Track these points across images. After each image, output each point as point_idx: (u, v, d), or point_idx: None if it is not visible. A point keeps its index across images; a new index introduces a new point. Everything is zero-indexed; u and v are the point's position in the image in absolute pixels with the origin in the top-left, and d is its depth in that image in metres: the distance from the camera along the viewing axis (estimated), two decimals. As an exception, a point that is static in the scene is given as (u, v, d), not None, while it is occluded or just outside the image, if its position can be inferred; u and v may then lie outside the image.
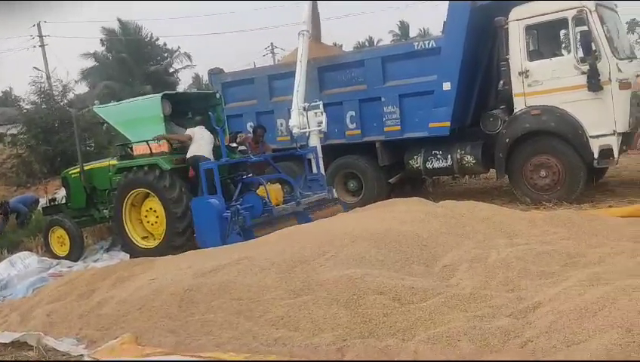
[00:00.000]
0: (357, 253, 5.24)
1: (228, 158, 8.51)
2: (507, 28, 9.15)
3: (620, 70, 8.49)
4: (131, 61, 31.46)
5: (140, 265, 6.78)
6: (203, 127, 8.78)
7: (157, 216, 8.58)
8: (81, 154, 10.19)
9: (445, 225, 6.09)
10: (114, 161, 9.44)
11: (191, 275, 5.43)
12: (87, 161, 10.32)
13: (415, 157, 10.18)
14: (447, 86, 9.47)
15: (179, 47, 35.08)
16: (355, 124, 10.49)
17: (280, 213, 8.22)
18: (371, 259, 5.15)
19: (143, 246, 8.68)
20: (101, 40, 32.96)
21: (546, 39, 9.73)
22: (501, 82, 9.43)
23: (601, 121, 8.54)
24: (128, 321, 4.97)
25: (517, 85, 9.14)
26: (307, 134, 9.85)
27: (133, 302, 5.21)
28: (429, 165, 10.05)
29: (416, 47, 10.01)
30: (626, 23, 38.38)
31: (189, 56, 34.52)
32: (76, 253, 9.34)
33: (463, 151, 9.78)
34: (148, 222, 8.76)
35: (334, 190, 9.79)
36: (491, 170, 10.10)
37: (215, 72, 12.29)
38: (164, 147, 8.66)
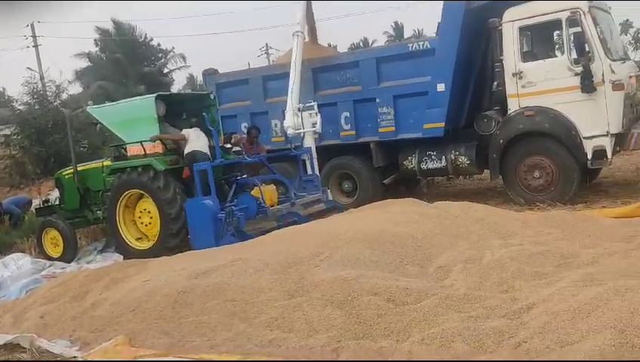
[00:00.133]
0: (351, 254, 5.24)
1: (222, 159, 8.50)
2: (501, 29, 9.18)
3: (613, 71, 8.53)
4: (125, 61, 31.39)
5: (133, 266, 6.75)
6: (198, 128, 8.77)
7: (151, 217, 8.55)
8: (75, 155, 10.15)
9: (439, 225, 6.10)
10: (108, 162, 9.42)
11: (185, 277, 5.42)
12: (81, 162, 10.28)
13: (409, 158, 10.19)
14: (441, 87, 9.49)
15: (173, 48, 35.10)
16: (349, 125, 10.50)
17: (274, 214, 8.21)
18: (366, 260, 5.15)
19: (137, 248, 8.65)
20: (95, 40, 32.91)
21: (540, 40, 9.76)
22: (495, 83, 9.45)
23: (594, 122, 8.57)
24: (122, 323, 4.95)
25: (511, 86, 9.17)
26: (302, 135, 9.86)
27: (127, 303, 5.19)
28: (423, 166, 10.06)
29: (410, 49, 10.02)
30: (620, 24, 38.59)
31: (183, 57, 34.49)
32: (70, 254, 9.30)
33: (457, 152, 9.81)
34: (142, 223, 8.73)
35: (329, 191, 9.79)
36: (485, 170, 10.12)
37: (209, 73, 12.27)
38: (158, 148, 8.64)
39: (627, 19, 46.15)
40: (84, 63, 32.70)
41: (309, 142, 9.82)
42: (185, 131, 8.75)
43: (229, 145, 9.36)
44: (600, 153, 8.60)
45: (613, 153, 8.74)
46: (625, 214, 6.88)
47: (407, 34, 48.96)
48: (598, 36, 8.60)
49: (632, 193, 9.17)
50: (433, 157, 9.97)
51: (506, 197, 9.53)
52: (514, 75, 9.09)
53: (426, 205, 7.34)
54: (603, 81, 8.46)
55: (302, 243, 5.73)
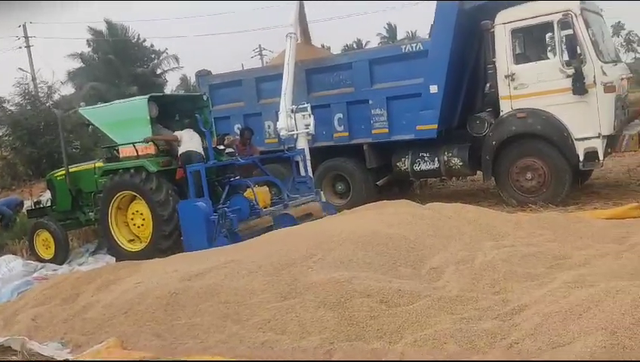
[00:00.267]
0: (344, 256, 5.24)
1: (215, 161, 8.48)
2: (493, 31, 9.22)
3: (604, 73, 8.58)
4: (118, 62, 31.30)
5: (125, 268, 6.72)
6: (191, 129, 8.75)
7: (143, 219, 8.52)
8: (67, 156, 10.11)
9: (432, 227, 6.11)
10: (100, 164, 9.37)
11: (177, 279, 5.40)
12: (73, 163, 10.23)
13: (403, 159, 10.21)
14: (434, 89, 9.51)
15: (166, 49, 35.00)
16: (342, 127, 10.51)
17: (267, 215, 8.20)
18: (359, 262, 5.15)
19: (129, 250, 8.61)
20: (88, 41, 32.79)
21: (532, 43, 9.82)
22: (487, 85, 9.49)
23: (586, 123, 8.62)
24: (114, 325, 4.93)
25: (503, 88, 9.20)
26: (295, 136, 9.85)
27: (119, 305, 5.17)
28: (416, 167, 10.09)
29: (403, 50, 10.05)
30: (611, 26, 38.86)
31: (176, 58, 34.42)
32: (61, 256, 9.27)
33: (450, 154, 9.83)
34: (134, 224, 8.70)
35: (322, 192, 9.79)
36: (478, 172, 10.16)
37: (202, 74, 12.26)
38: (151, 149, 8.61)
39: (619, 21, 46.51)
40: (76, 64, 32.62)
41: (303, 144, 9.82)
42: (178, 132, 8.74)
43: (222, 147, 9.34)
44: (592, 155, 8.65)
45: (605, 155, 8.78)
46: (616, 215, 6.92)
47: (400, 35, 49.08)
48: (590, 38, 8.65)
49: (623, 194, 9.23)
50: (426, 158, 10.00)
51: (499, 199, 9.56)
52: (506, 76, 9.12)
53: (419, 206, 7.36)
54: (595, 83, 8.51)
55: (295, 244, 5.72)
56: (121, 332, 4.78)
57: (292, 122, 9.78)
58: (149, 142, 8.57)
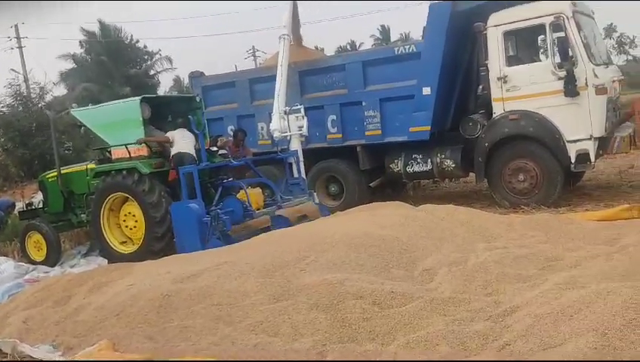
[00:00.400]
0: (337, 258, 5.24)
1: (208, 162, 8.46)
2: (486, 33, 9.26)
3: (596, 76, 8.63)
4: (110, 63, 31.19)
5: (118, 270, 6.69)
6: (185, 129, 8.72)
7: (136, 221, 8.49)
8: (59, 157, 10.06)
9: (425, 229, 6.12)
10: (92, 165, 9.34)
11: (170, 281, 5.38)
12: (65, 165, 10.18)
13: (396, 161, 10.23)
14: (427, 90, 9.53)
15: (159, 50, 34.94)
16: (336, 128, 10.52)
17: (260, 217, 8.19)
18: (351, 264, 5.16)
19: (122, 251, 8.59)
20: (80, 42, 32.67)
21: (524, 45, 9.86)
22: (480, 87, 9.53)
23: (578, 125, 8.67)
24: (106, 328, 4.91)
25: (496, 90, 9.24)
26: (288, 138, 9.85)
27: (111, 308, 5.15)
28: (409, 169, 10.11)
29: (396, 52, 10.08)
30: (603, 28, 39.11)
31: (169, 59, 34.37)
32: (53, 258, 9.22)
33: (442, 156, 9.86)
34: (126, 226, 8.67)
35: (315, 194, 9.79)
36: (471, 173, 10.19)
37: (196, 75, 12.24)
38: (143, 151, 8.59)
39: (611, 23, 46.81)
40: (69, 65, 32.50)
41: (296, 145, 9.82)
42: (169, 133, 8.71)
43: (214, 148, 9.33)
44: (583, 157, 8.69)
45: (597, 156, 8.84)
46: (608, 217, 6.97)
47: (394, 37, 49.23)
48: (582, 41, 8.70)
49: (614, 196, 9.29)
50: (419, 160, 10.02)
51: (491, 200, 9.59)
52: (499, 78, 9.16)
53: (412, 208, 7.37)
54: (586, 85, 8.56)
55: (288, 246, 5.72)
56: (113, 334, 4.76)
57: (285, 124, 9.78)
58: (142, 144, 8.54)
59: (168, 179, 8.55)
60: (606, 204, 8.59)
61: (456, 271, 4.94)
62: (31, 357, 4.88)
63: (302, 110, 9.83)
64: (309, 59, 11.31)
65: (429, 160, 9.93)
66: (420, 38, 10.34)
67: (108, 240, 8.72)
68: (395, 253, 5.43)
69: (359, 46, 46.69)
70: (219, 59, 55.68)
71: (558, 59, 8.75)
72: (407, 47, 10.18)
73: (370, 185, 10.57)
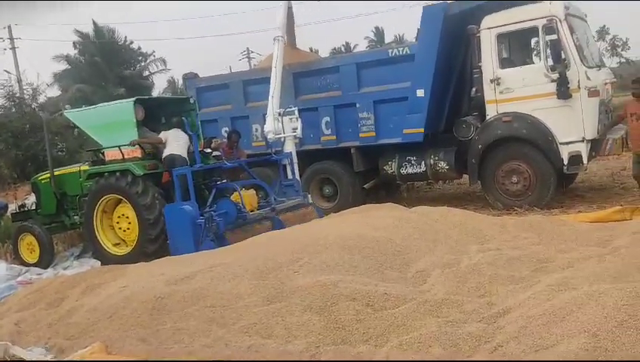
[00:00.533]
0: (331, 260, 5.24)
1: (202, 164, 8.45)
2: (479, 36, 9.30)
3: (588, 78, 8.69)
4: (104, 64, 31.10)
5: (111, 272, 6.67)
6: (179, 129, 8.70)
7: (129, 223, 8.47)
8: (52, 159, 10.02)
9: (418, 230, 6.13)
10: (85, 167, 9.31)
11: (163, 283, 5.37)
12: (59, 166, 10.14)
13: (389, 162, 10.26)
14: (420, 92, 9.57)
15: (153, 52, 34.86)
16: (330, 130, 10.54)
17: (254, 218, 8.19)
18: (345, 265, 5.16)
19: (115, 253, 8.57)
20: (74, 43, 32.56)
21: (518, 47, 9.91)
22: (474, 89, 9.56)
23: (570, 128, 8.72)
24: (98, 330, 4.89)
25: (489, 92, 9.28)
26: (282, 140, 9.85)
27: (104, 310, 5.12)
28: (403, 171, 10.14)
29: (390, 54, 10.11)
30: (596, 31, 39.30)
31: (163, 61, 34.30)
32: (46, 260, 9.17)
33: (436, 157, 9.90)
34: (120, 228, 8.64)
35: (309, 196, 9.79)
36: (464, 175, 10.22)
37: (190, 77, 12.24)
38: (137, 152, 8.57)
39: (604, 26, 47.00)
40: (62, 66, 32.38)
41: (290, 147, 9.82)
42: (163, 134, 8.68)
43: (208, 150, 9.31)
44: (576, 158, 8.74)
45: (589, 158, 8.89)
46: (600, 219, 7.00)
47: (388, 39, 49.31)
48: (574, 43, 8.76)
49: (607, 198, 9.34)
50: (413, 162, 10.05)
51: (485, 202, 9.63)
52: (492, 81, 9.21)
53: (406, 210, 7.38)
54: (579, 87, 8.62)
55: (281, 248, 5.71)
56: (106, 336, 4.74)
57: (279, 125, 9.77)
58: (135, 146, 8.52)
59: (162, 180, 8.53)
60: (598, 206, 8.64)
61: (449, 273, 4.95)
62: (23, 359, 4.85)
63: (296, 112, 9.84)
64: (303, 60, 11.33)
65: (423, 162, 9.96)
66: (414, 40, 10.37)
67: (101, 242, 8.70)
68: (389, 254, 5.43)
69: (354, 48, 46.79)
70: (213, 61, 55.65)
71: (550, 62, 8.81)
72: (401, 49, 10.22)
73: (364, 186, 10.59)
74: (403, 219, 6.47)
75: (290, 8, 11.24)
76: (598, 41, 41.23)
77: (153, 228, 8.11)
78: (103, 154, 8.95)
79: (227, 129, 11.04)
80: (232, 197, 8.30)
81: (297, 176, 9.75)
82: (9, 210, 11.76)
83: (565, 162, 8.80)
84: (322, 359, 3.84)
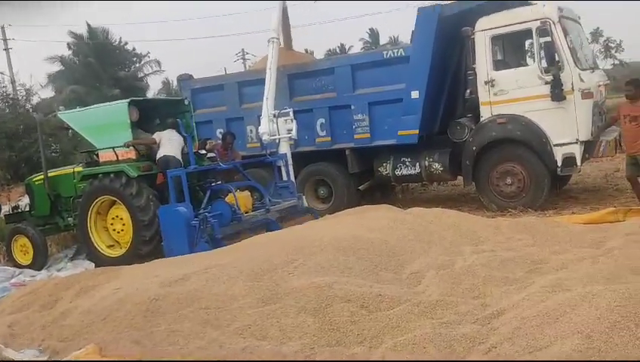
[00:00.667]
0: (325, 261, 5.24)
1: (196, 165, 8.44)
2: (473, 38, 9.32)
3: (582, 80, 8.72)
4: (98, 65, 31.01)
5: (105, 274, 6.64)
6: (173, 130, 8.69)
7: (123, 224, 8.45)
8: (46, 160, 9.99)
9: (413, 232, 6.14)
10: (79, 168, 9.28)
11: (157, 284, 5.35)
12: (53, 168, 10.11)
13: (384, 164, 10.27)
14: (415, 94, 9.59)
15: (148, 53, 34.81)
16: (325, 132, 10.54)
17: (249, 220, 8.18)
18: (340, 267, 5.16)
19: (109, 255, 8.54)
20: (68, 44, 32.47)
21: (512, 49, 9.95)
22: (468, 91, 9.59)
23: (564, 129, 8.76)
24: (92, 332, 4.87)
25: (483, 94, 9.31)
26: (277, 141, 9.85)
27: (98, 312, 5.10)
28: (397, 172, 10.15)
29: (385, 56, 10.12)
30: (590, 33, 39.48)
31: (158, 62, 34.25)
32: (40, 261, 9.14)
33: (431, 159, 9.91)
34: (114, 230, 8.62)
35: (304, 197, 9.79)
36: (459, 177, 10.25)
37: (184, 78, 12.21)
38: (131, 154, 8.56)
39: (597, 28, 47.20)
40: (56, 67, 32.28)
41: (285, 149, 9.83)
42: (157, 134, 8.67)
43: (203, 152, 9.30)
44: (570, 160, 8.78)
45: (583, 160, 8.93)
46: (594, 220, 7.02)
47: (383, 40, 49.40)
48: (568, 46, 8.80)
49: (600, 199, 9.38)
50: (407, 163, 10.07)
51: (479, 204, 9.65)
52: (486, 82, 9.23)
53: (401, 211, 7.40)
54: (572, 89, 8.65)
55: (276, 250, 5.71)
56: (100, 338, 4.72)
57: (274, 127, 9.78)
58: (130, 147, 8.50)
59: (156, 182, 8.51)
60: (592, 207, 8.67)
61: (443, 274, 4.96)
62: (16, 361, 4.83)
63: (291, 113, 9.84)
64: (298, 62, 11.33)
65: (418, 163, 9.98)
66: (409, 42, 10.39)
67: (95, 244, 8.67)
68: (384, 256, 5.44)
69: (349, 49, 46.87)
70: (208, 62, 55.57)
71: (544, 64, 8.85)
72: (395, 50, 10.24)
73: (359, 188, 10.60)
74: (398, 221, 6.48)
75: (285, 9, 11.23)
76: (592, 43, 41.42)
77: (147, 230, 8.09)
78: (97, 155, 8.93)
79: (222, 130, 11.02)
80: (226, 198, 8.30)
81: (292, 178, 9.75)
82: (2, 211, 11.72)
83: (559, 164, 8.84)
84: (317, 358, 3.84)
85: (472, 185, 9.84)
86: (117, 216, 8.53)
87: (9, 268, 8.83)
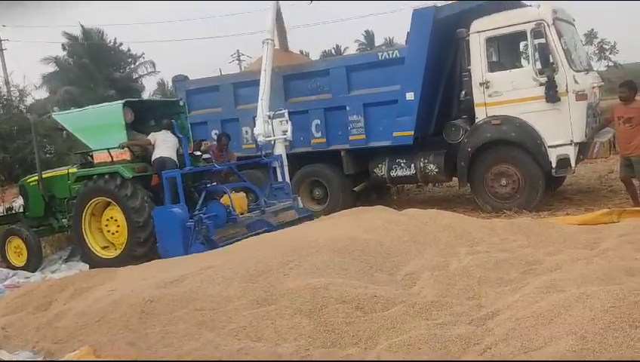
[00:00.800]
0: (321, 262, 5.24)
1: (191, 167, 8.42)
2: (468, 39, 9.35)
3: (576, 82, 8.76)
4: (93, 66, 30.94)
5: (99, 275, 6.63)
6: (168, 131, 8.67)
7: (118, 226, 8.42)
8: (40, 161, 9.95)
9: (408, 233, 6.15)
10: (73, 169, 9.25)
11: (152, 286, 5.34)
12: (47, 169, 10.07)
13: (379, 165, 10.28)
14: (410, 96, 9.61)
15: (143, 53, 34.75)
16: (320, 133, 10.55)
17: (244, 221, 8.18)
18: (335, 268, 5.16)
19: (104, 257, 8.49)
20: (63, 45, 32.37)
21: (506, 51, 9.98)
22: (463, 92, 9.62)
23: (558, 131, 8.79)
24: (86, 334, 4.85)
25: (478, 95, 9.33)
26: (272, 142, 9.85)
27: (92, 313, 5.09)
28: (393, 173, 10.16)
29: (380, 57, 10.14)
30: (584, 34, 39.65)
31: (153, 64, 34.19)
32: (34, 263, 9.10)
33: (426, 160, 9.93)
34: (109, 231, 8.59)
35: (300, 198, 9.79)
36: (454, 178, 10.27)
37: (179, 79, 12.20)
38: (126, 155, 8.53)
39: (592, 29, 47.37)
40: (51, 68, 32.18)
41: (280, 150, 9.82)
42: (151, 135, 8.64)
43: (198, 153, 9.29)
44: (564, 161, 8.81)
45: (577, 161, 8.96)
46: (588, 221, 7.04)
47: (378, 42, 49.47)
48: (562, 47, 8.83)
49: (595, 200, 9.42)
50: (403, 164, 10.08)
51: (474, 205, 9.68)
52: (481, 84, 9.26)
53: (396, 212, 7.41)
54: (567, 91, 8.69)
55: (271, 251, 5.71)
56: (95, 340, 4.70)
57: (269, 128, 9.78)
58: (124, 148, 8.48)
59: (151, 183, 8.49)
60: (586, 209, 8.71)
61: (438, 276, 4.96)
62: (10, 363, 4.82)
63: (286, 114, 9.84)
64: (293, 63, 11.33)
65: (413, 164, 9.99)
66: (404, 44, 10.42)
67: (89, 245, 8.63)
68: (379, 257, 5.44)
69: (344, 51, 46.91)
70: (203, 63, 55.54)
71: (539, 66, 8.88)
72: (390, 52, 10.26)
73: (355, 189, 10.61)
74: (393, 222, 6.49)
75: (279, 10, 11.23)
76: (586, 44, 41.59)
77: (142, 231, 8.06)
78: (91, 156, 8.89)
79: (217, 131, 11.02)
80: (221, 199, 8.30)
81: (287, 179, 9.75)
82: (-4, 212, 11.67)
83: (553, 165, 8.87)
84: (312, 360, 3.84)
85: (467, 186, 9.87)
86: (112, 218, 8.50)
87: (3, 269, 8.79)
